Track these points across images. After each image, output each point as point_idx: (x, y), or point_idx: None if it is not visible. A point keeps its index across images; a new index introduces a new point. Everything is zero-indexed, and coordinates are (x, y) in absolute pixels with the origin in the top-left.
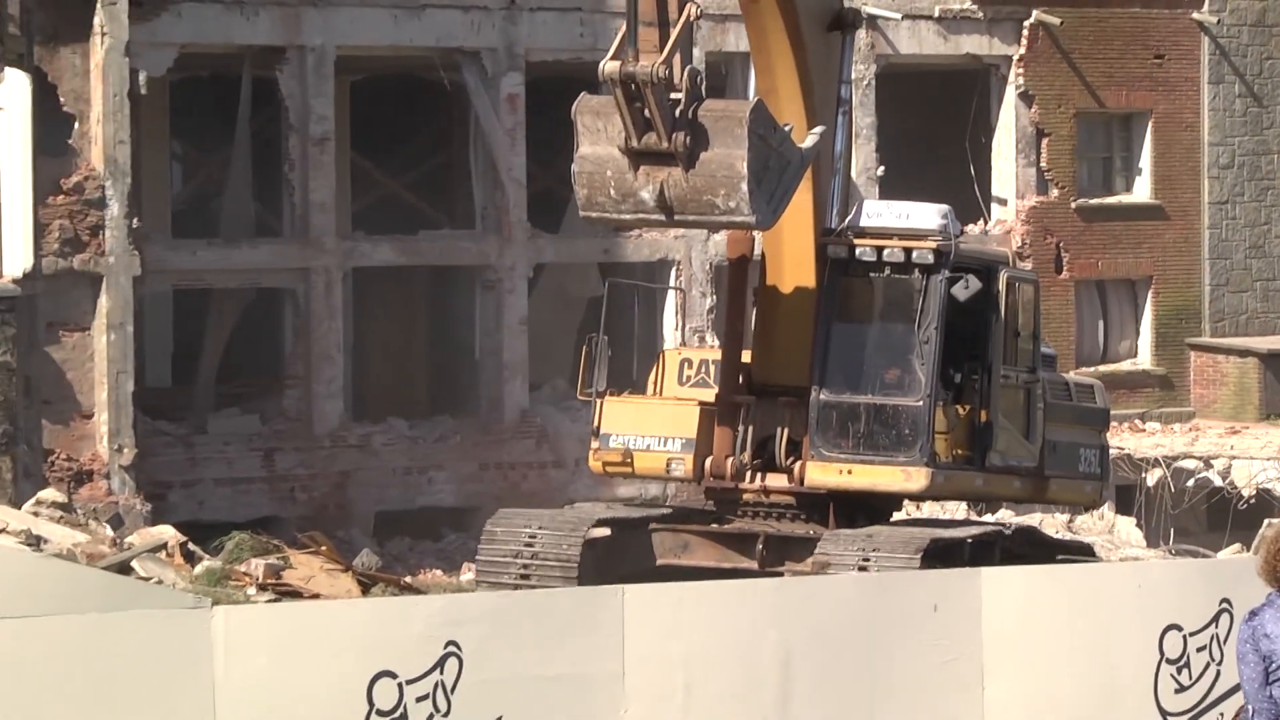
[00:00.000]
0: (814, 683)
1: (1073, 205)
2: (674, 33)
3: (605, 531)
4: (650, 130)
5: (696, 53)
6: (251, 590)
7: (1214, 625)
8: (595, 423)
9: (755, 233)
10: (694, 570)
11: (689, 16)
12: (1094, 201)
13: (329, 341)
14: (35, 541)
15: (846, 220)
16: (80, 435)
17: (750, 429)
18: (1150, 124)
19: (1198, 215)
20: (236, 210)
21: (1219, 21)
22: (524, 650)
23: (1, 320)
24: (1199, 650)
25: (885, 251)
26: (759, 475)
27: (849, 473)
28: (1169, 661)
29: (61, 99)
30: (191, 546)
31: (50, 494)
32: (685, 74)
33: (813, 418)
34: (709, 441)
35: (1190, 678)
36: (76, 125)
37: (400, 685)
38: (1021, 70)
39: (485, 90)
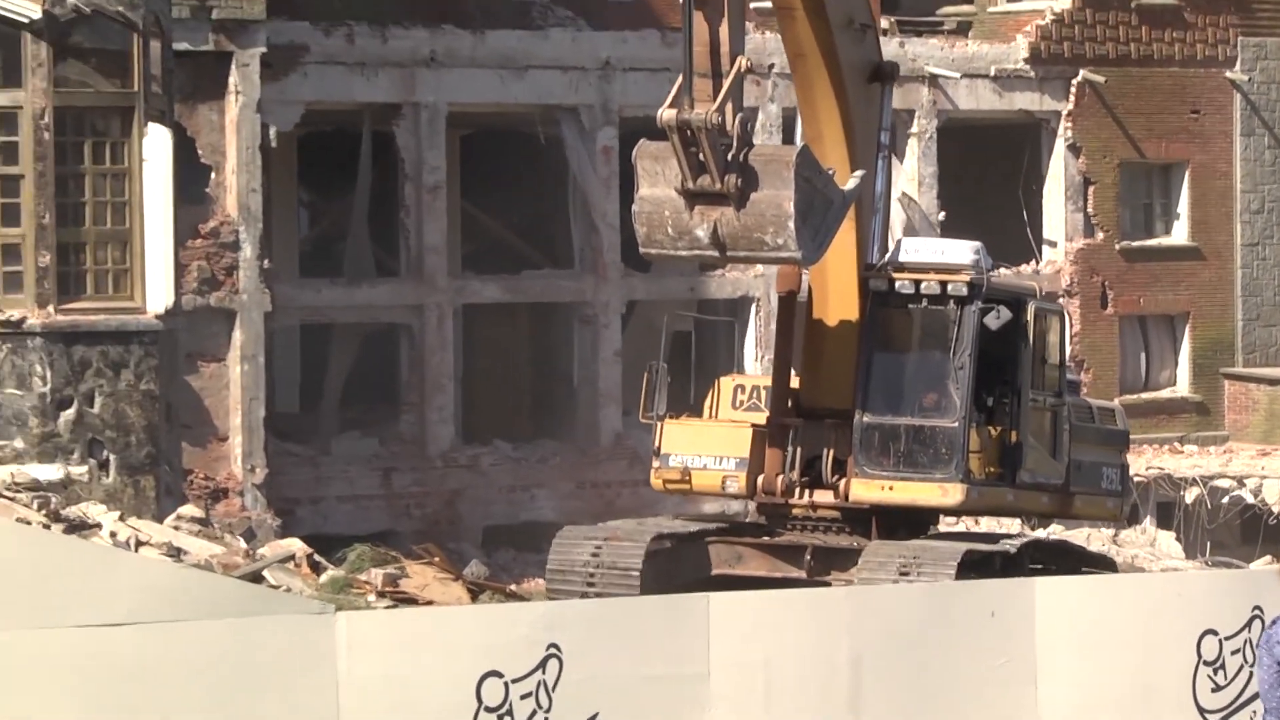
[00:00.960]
0: (882, 684)
1: (1117, 247)
2: (726, 83)
3: (665, 544)
4: (704, 173)
5: (753, 103)
6: (371, 597)
7: (1246, 630)
8: (656, 444)
9: (802, 268)
10: (747, 579)
11: (739, 69)
12: (1136, 244)
13: (441, 371)
14: (176, 553)
15: (887, 256)
16: (216, 456)
17: (799, 449)
18: (1187, 173)
19: (1231, 256)
20: (357, 252)
21: (1249, 80)
22: (618, 652)
23: (145, 353)
24: (1233, 653)
25: (922, 285)
26: (807, 491)
27: (890, 489)
28: (1206, 663)
29: (200, 152)
30: (317, 558)
31: (189, 510)
32: (736, 121)
33: (856, 438)
34: (761, 460)
35: (1225, 678)
36: (213, 175)
37: (506, 684)
38: (1070, 124)
39: (582, 143)
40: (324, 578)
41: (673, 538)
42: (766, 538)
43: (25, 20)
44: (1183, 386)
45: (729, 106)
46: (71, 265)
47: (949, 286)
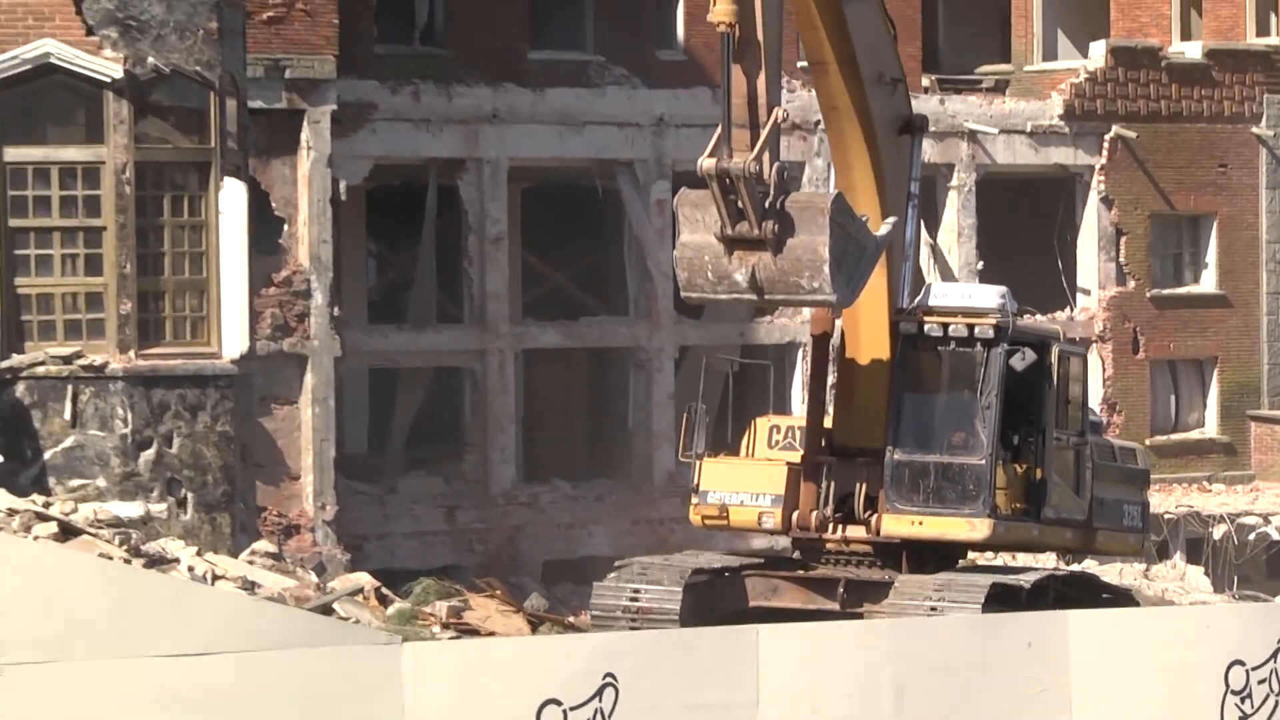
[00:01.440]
0: (925, 712)
1: (1148, 295)
2: (763, 133)
3: (702, 578)
4: (743, 219)
5: (799, 158)
6: (436, 629)
7: (1273, 661)
8: (695, 481)
9: (837, 311)
10: (783, 611)
11: (776, 119)
12: (1166, 291)
13: (502, 413)
14: (250, 586)
15: (916, 300)
16: (289, 494)
17: (832, 485)
18: (1215, 224)
19: (1257, 304)
20: (423, 300)
21: (1275, 135)
22: (671, 682)
23: (222, 396)
24: (1260, 683)
25: (950, 328)
26: (840, 527)
27: (920, 524)
28: (1234, 692)
29: (273, 205)
30: (384, 591)
31: (263, 545)
32: (773, 169)
33: (887, 475)
34: (795, 497)
35: (1252, 707)
36: (286, 227)
37: (565, 711)
38: (1103, 178)
39: (637, 195)
40: (391, 610)
41: (710, 572)
42: (801, 571)
43: (108, 79)
44: (1211, 428)
45: (766, 155)
46: (151, 312)
47: (976, 329)
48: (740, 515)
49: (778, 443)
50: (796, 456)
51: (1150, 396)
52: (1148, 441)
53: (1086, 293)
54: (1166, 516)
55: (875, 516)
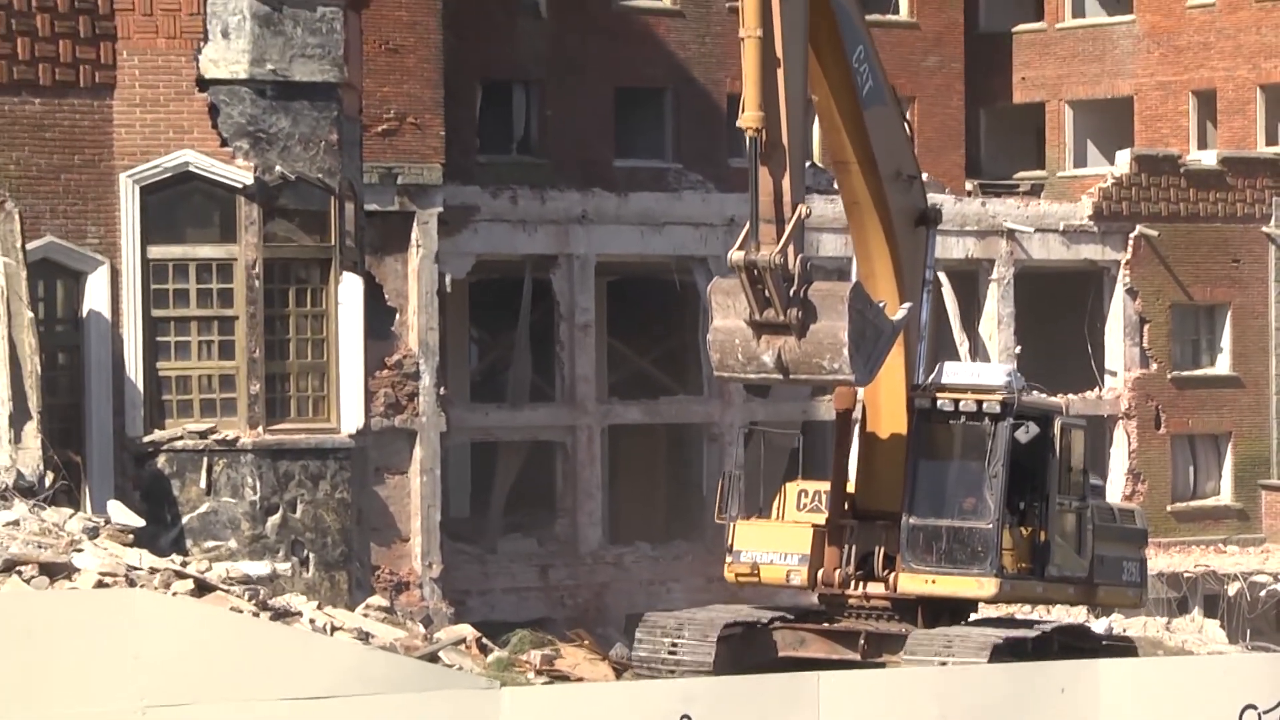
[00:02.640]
0: None
1: (1168, 376)
2: (788, 228)
3: (736, 630)
4: (769, 306)
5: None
6: (531, 675)
7: None
8: (729, 541)
9: (856, 389)
10: (809, 661)
11: (800, 215)
12: (1185, 373)
13: (590, 482)
14: (365, 637)
15: (930, 377)
16: (399, 554)
17: (854, 546)
18: (1229, 313)
19: (1267, 384)
20: (520, 381)
21: None
22: (741, 717)
23: (340, 466)
24: None
25: (961, 403)
26: (861, 583)
27: (933, 582)
28: None
29: (386, 296)
30: (484, 641)
31: (376, 600)
32: (797, 261)
33: (904, 537)
34: (821, 556)
35: None
36: (398, 316)
37: None
38: (1128, 271)
39: None
40: (490, 658)
41: (741, 625)
42: (826, 624)
43: (240, 185)
44: (1226, 496)
45: (791, 248)
46: (277, 392)
47: (984, 405)
48: (770, 573)
49: (806, 505)
50: (822, 519)
51: (1171, 467)
52: (1168, 508)
53: (1113, 374)
54: (1186, 575)
55: (893, 575)
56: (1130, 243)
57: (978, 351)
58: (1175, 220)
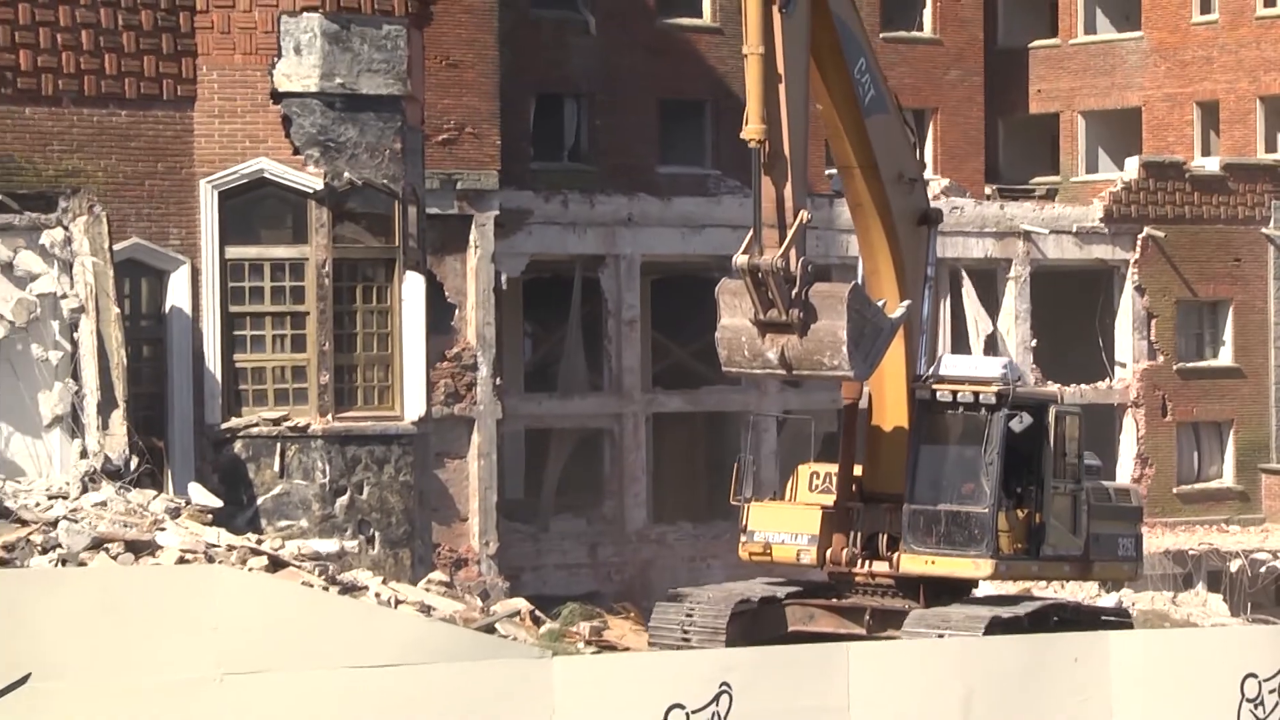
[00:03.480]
0: (989, 715)
1: (1174, 368)
2: (790, 233)
3: (750, 606)
4: (773, 307)
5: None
6: (580, 645)
7: None
8: (743, 522)
9: (856, 383)
10: (817, 635)
11: (801, 220)
12: (1190, 365)
13: (636, 466)
14: (426, 610)
15: (931, 369)
16: (459, 533)
17: (860, 527)
18: (1231, 309)
19: (1266, 375)
20: (570, 372)
21: None
22: (776, 690)
23: (403, 451)
24: (1270, 692)
25: (959, 394)
26: (867, 562)
27: (932, 563)
28: (1248, 700)
29: (447, 293)
30: (537, 613)
31: (437, 575)
32: (799, 264)
33: (905, 521)
34: (829, 537)
35: (1265, 712)
36: (457, 312)
37: (687, 714)
38: (1136, 270)
39: None
40: (543, 629)
41: (754, 601)
42: (834, 600)
43: (311, 191)
44: (1228, 479)
45: (793, 252)
46: (345, 383)
47: (980, 396)
48: (781, 552)
49: (817, 486)
50: (831, 501)
51: (1177, 452)
52: (1174, 490)
53: (1123, 365)
54: (1190, 553)
55: (896, 555)
56: (1139, 243)
57: (997, 345)
58: (1180, 222)
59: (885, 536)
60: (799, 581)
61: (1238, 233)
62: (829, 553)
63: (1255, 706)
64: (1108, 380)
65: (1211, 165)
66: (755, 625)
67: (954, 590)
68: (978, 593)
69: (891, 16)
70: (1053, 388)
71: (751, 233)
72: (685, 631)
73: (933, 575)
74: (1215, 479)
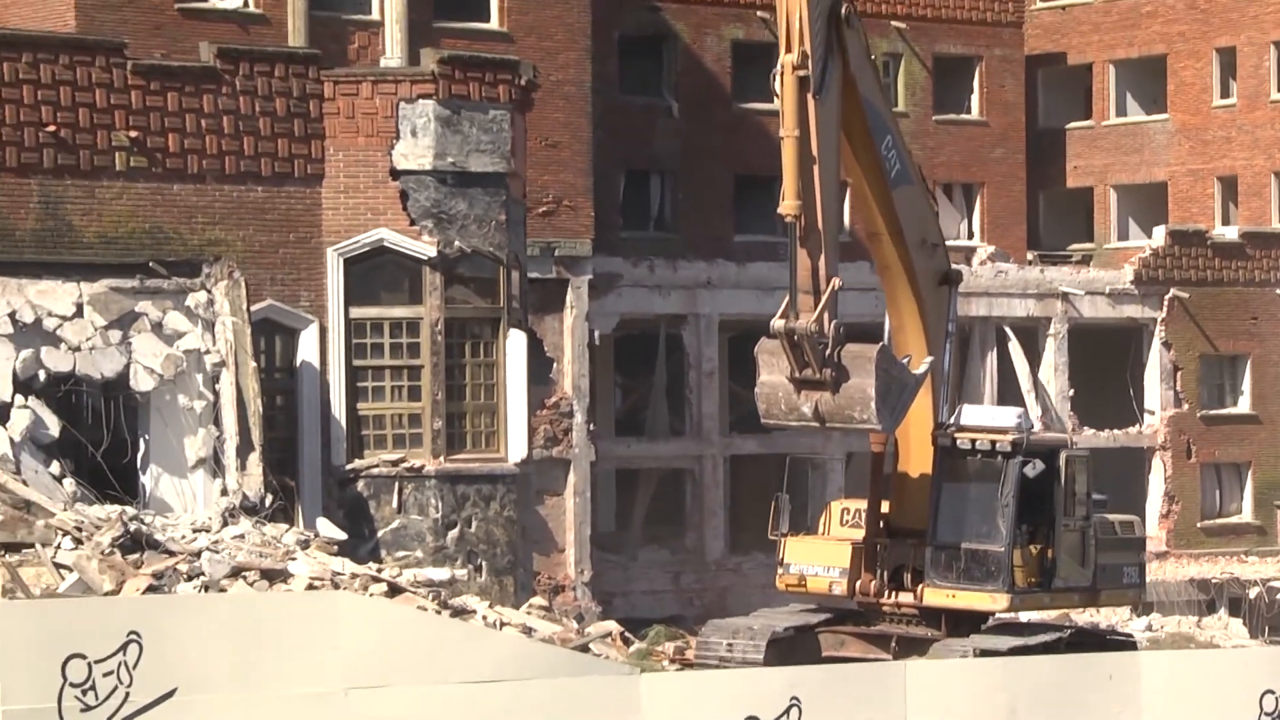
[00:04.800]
0: None
1: (1198, 415)
2: (823, 299)
3: (787, 633)
4: (808, 366)
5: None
6: (665, 663)
7: None
8: (780, 555)
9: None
10: (847, 659)
11: (834, 287)
12: (1212, 412)
13: (715, 502)
14: (528, 631)
15: (952, 418)
16: (556, 563)
17: (887, 560)
18: (1249, 362)
19: None
20: (656, 418)
21: None
22: (840, 702)
23: (507, 490)
24: None
25: (977, 442)
26: (893, 593)
27: (954, 596)
28: (1266, 714)
29: (546, 348)
30: (627, 634)
31: (538, 600)
32: (831, 327)
33: (928, 557)
34: (859, 569)
35: None
36: (555, 365)
37: None
38: (1163, 327)
39: None
40: (632, 649)
41: (790, 629)
42: (863, 628)
43: (425, 257)
44: (1247, 514)
45: (825, 316)
46: (456, 428)
47: (997, 444)
48: (815, 583)
49: (848, 521)
50: (860, 536)
51: (1200, 490)
52: (1198, 524)
53: (1151, 413)
54: (1213, 581)
55: (920, 587)
56: (1165, 303)
57: (1039, 395)
58: (1203, 285)
59: (911, 569)
60: (831, 610)
61: (1255, 294)
62: (858, 584)
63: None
64: (1138, 426)
65: (1231, 234)
66: (791, 650)
67: (972, 621)
68: (1007, 617)
69: (943, 101)
70: (1086, 432)
71: (788, 298)
72: (727, 656)
73: (953, 607)
74: (1235, 514)
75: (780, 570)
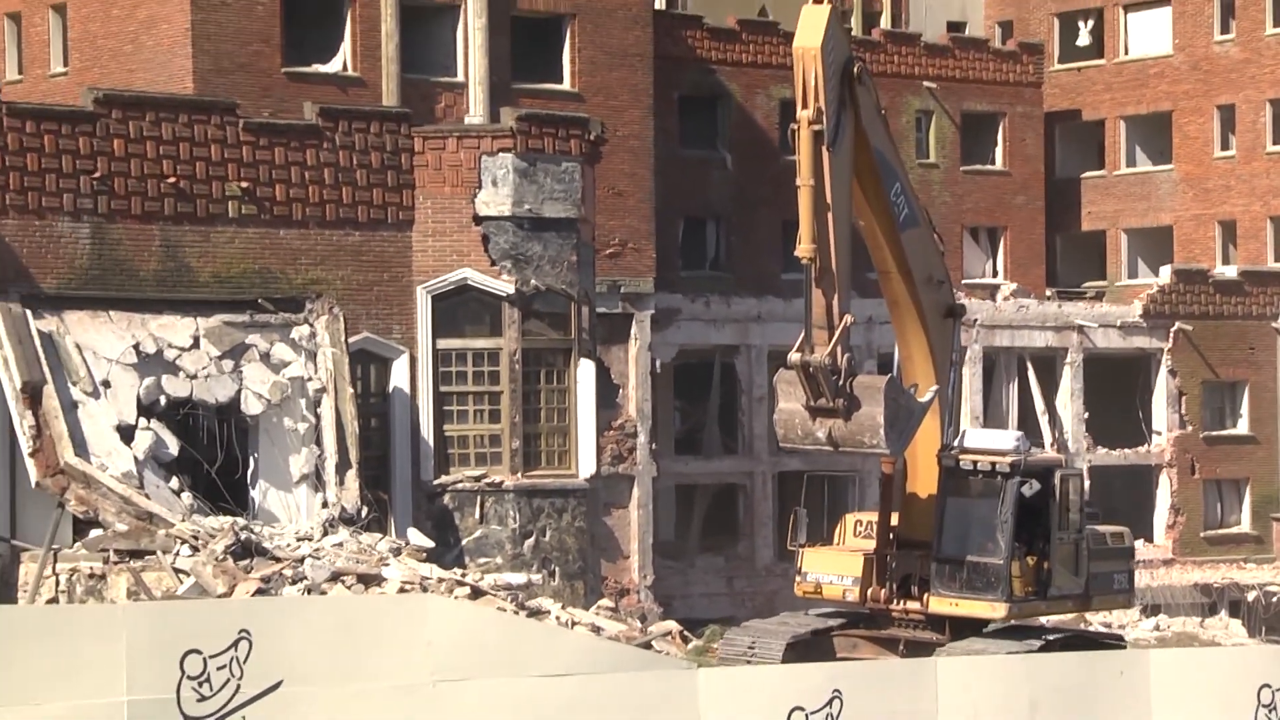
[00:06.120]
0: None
1: (1201, 436)
2: (836, 334)
3: (803, 636)
4: (822, 395)
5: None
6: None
7: None
8: (798, 564)
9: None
10: (859, 660)
11: (846, 324)
12: (1213, 433)
13: (764, 514)
14: (596, 630)
15: (956, 441)
16: (622, 568)
17: (896, 570)
18: (1247, 388)
19: (1277, 442)
20: (711, 439)
21: None
22: (877, 695)
23: (578, 503)
24: None
25: (978, 464)
26: (902, 601)
27: (956, 605)
28: (1264, 705)
29: (613, 376)
30: (685, 633)
31: (605, 602)
32: (844, 360)
33: (934, 569)
34: (870, 578)
35: (1278, 716)
36: (621, 390)
37: (806, 716)
38: (1169, 357)
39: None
40: (690, 646)
41: (807, 633)
42: (874, 632)
43: (504, 294)
44: (1245, 525)
45: (838, 350)
46: (532, 448)
47: (996, 465)
48: (829, 591)
49: (860, 532)
50: (871, 547)
51: (1203, 504)
52: (1201, 534)
53: (1159, 434)
54: (1215, 585)
55: (926, 596)
56: (1171, 335)
57: (1054, 419)
58: (1205, 319)
59: (917, 579)
60: (845, 615)
61: (1252, 327)
62: (870, 592)
63: (1270, 711)
64: (1147, 445)
65: (1230, 273)
66: (808, 652)
67: (974, 626)
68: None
69: (970, 153)
70: (1100, 450)
71: (803, 333)
72: (749, 658)
73: (957, 615)
74: (1235, 525)
75: (798, 579)
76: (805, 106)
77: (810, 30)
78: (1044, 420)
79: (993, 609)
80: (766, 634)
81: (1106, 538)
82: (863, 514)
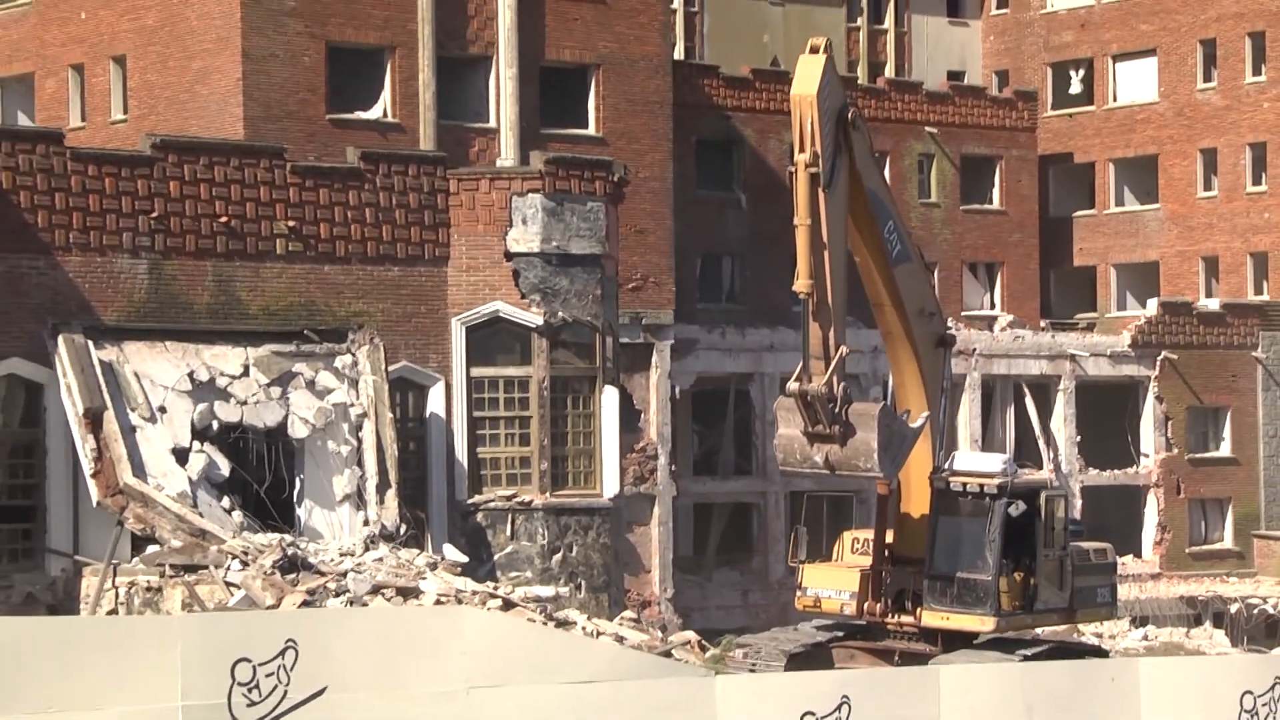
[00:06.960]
0: None
1: (1186, 458)
2: (833, 365)
3: (803, 648)
4: (819, 422)
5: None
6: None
7: (1271, 691)
8: (799, 580)
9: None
10: (867, 669)
11: (842, 354)
12: (1198, 455)
13: (777, 531)
14: (620, 639)
15: (947, 464)
16: (644, 582)
17: (890, 585)
18: (1229, 414)
19: (1257, 463)
20: (727, 460)
21: (1266, 357)
22: (883, 699)
23: (602, 520)
24: (1263, 704)
25: (967, 485)
26: (896, 614)
27: (947, 619)
28: (1246, 711)
29: (635, 402)
30: (703, 643)
31: (628, 614)
32: (840, 389)
33: (926, 584)
34: (866, 592)
35: None
36: (642, 415)
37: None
38: (1156, 384)
39: (867, 396)
40: (707, 655)
41: (807, 645)
42: (870, 643)
43: (533, 326)
44: (1228, 542)
45: (834, 379)
46: (559, 469)
47: (985, 487)
48: (828, 604)
49: (858, 549)
50: (868, 563)
51: (1188, 522)
52: (1187, 550)
53: (1146, 456)
54: (1199, 598)
55: (919, 610)
56: (1158, 363)
57: (1050, 442)
58: (1190, 348)
59: (911, 593)
60: (842, 627)
61: (1234, 356)
62: (866, 605)
63: (1252, 716)
64: (1135, 467)
65: (1213, 305)
66: (807, 662)
67: (964, 638)
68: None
69: (969, 193)
70: (1091, 472)
71: (801, 363)
72: (753, 668)
73: (948, 628)
74: (1218, 542)
75: (799, 593)
76: (802, 150)
77: (807, 78)
78: (1041, 443)
79: (982, 622)
80: (769, 646)
81: (1090, 554)
82: (860, 531)
